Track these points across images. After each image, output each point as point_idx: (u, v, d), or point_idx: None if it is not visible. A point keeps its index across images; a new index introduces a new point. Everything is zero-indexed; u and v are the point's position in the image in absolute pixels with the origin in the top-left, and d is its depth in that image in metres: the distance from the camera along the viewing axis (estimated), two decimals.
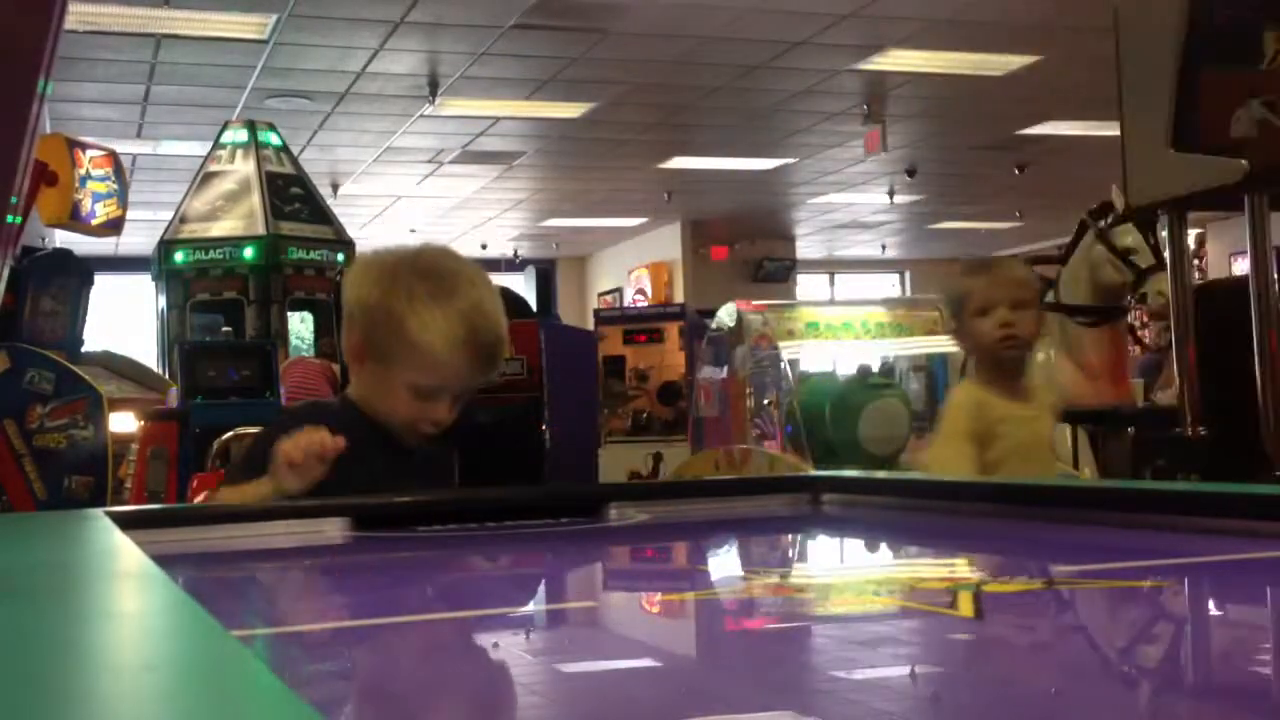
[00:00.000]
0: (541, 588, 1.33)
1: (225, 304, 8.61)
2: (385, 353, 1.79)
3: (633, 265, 17.36)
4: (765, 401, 4.87)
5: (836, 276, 19.31)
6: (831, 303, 10.65)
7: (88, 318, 7.39)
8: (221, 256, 8.57)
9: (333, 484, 1.71)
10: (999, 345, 2.68)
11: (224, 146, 8.84)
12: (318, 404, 2.18)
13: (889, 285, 19.58)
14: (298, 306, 9.04)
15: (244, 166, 8.69)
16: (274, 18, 7.73)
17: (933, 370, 4.86)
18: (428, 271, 1.78)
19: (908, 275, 19.53)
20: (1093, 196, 5.51)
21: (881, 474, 3.04)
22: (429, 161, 11.97)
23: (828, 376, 4.92)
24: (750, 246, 16.50)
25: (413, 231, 15.25)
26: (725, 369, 5.35)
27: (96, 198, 7.06)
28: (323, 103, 9.73)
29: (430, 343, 1.74)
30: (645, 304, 15.95)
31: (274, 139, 8.91)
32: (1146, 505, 1.43)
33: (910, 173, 12.95)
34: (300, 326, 9.84)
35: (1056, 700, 0.74)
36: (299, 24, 7.86)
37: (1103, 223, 5.01)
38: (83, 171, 6.91)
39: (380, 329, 1.78)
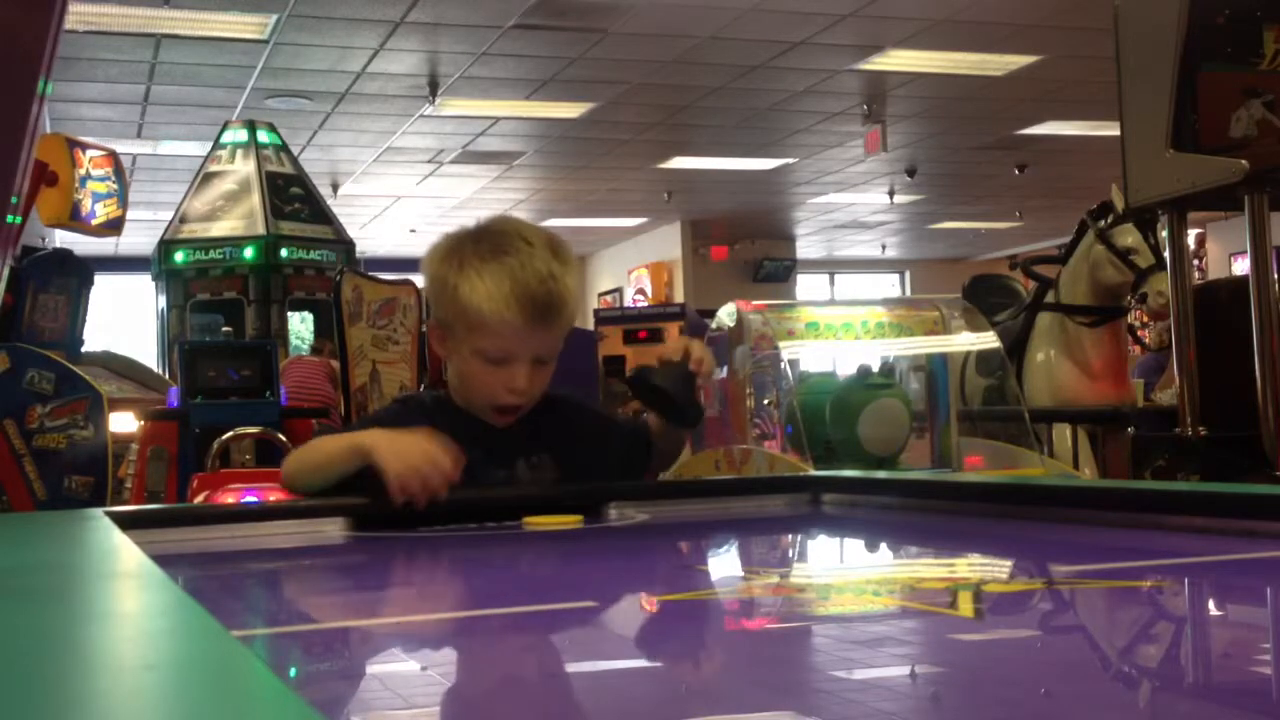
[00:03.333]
0: (541, 588, 1.33)
1: (225, 304, 8.62)
2: (450, 325, 1.78)
3: (633, 265, 17.37)
4: (765, 401, 4.86)
5: (836, 276, 19.32)
6: (831, 303, 10.65)
7: (88, 318, 7.40)
8: (221, 256, 8.58)
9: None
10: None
11: (224, 146, 8.85)
12: (411, 398, 2.13)
13: (889, 285, 19.59)
14: (298, 306, 9.05)
15: (244, 166, 8.71)
16: (274, 18, 7.73)
17: (933, 370, 4.86)
18: (480, 236, 1.77)
19: (908, 275, 19.55)
20: (1093, 196, 5.51)
21: (881, 474, 3.04)
22: (429, 161, 11.97)
23: (828, 376, 4.91)
24: (750, 246, 16.51)
25: (413, 232, 15.25)
26: (725, 369, 5.34)
27: (96, 198, 7.07)
28: (323, 103, 9.73)
29: (478, 305, 1.71)
30: (645, 304, 15.95)
31: (274, 139, 8.91)
32: (1146, 505, 1.43)
33: (910, 173, 12.95)
34: (300, 326, 9.85)
35: (1056, 701, 0.74)
36: (299, 24, 7.86)
37: (1103, 223, 5.02)
38: (83, 171, 6.91)
39: (442, 302, 1.78)
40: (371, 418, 1.91)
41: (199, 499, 4.31)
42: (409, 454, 1.60)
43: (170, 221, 8.97)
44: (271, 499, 4.01)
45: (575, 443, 1.84)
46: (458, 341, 1.78)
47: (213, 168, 8.80)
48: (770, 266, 16.61)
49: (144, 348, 9.32)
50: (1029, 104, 10.31)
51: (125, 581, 1.00)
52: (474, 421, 1.82)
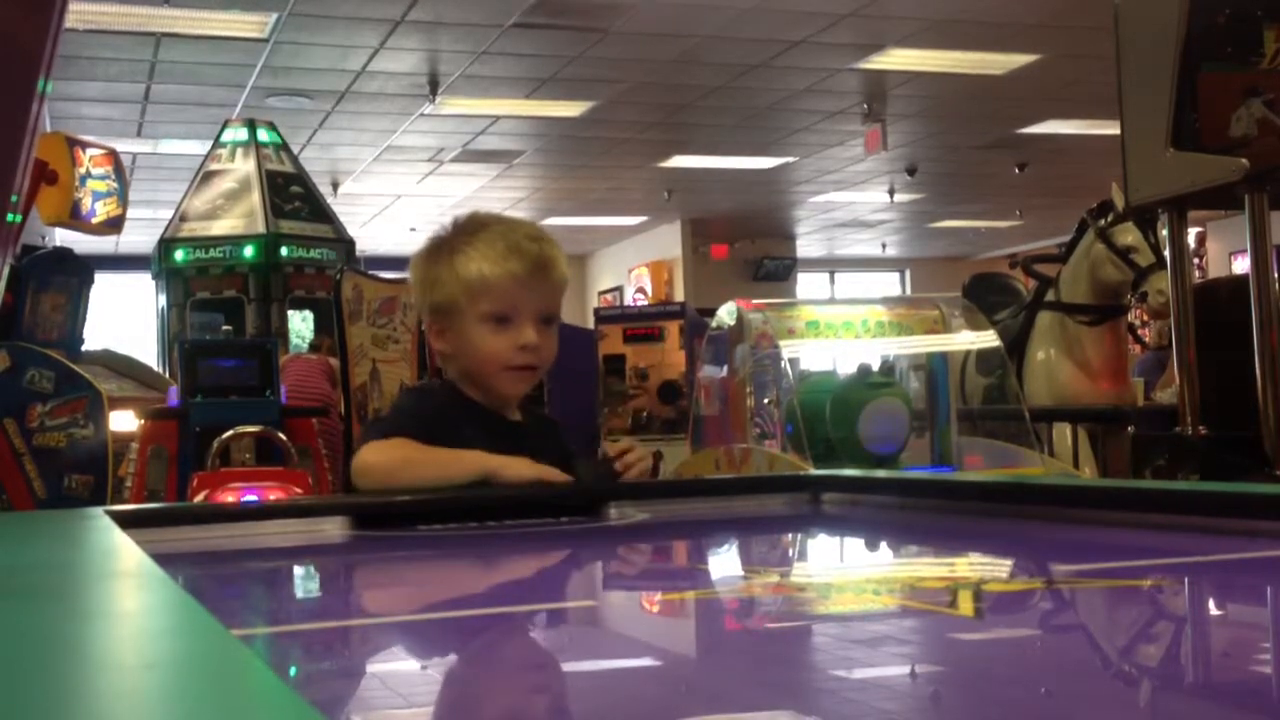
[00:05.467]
0: (542, 587, 1.33)
1: (225, 302, 8.62)
2: (453, 307, 1.85)
3: (633, 264, 17.36)
4: (765, 401, 4.86)
5: (837, 275, 19.32)
6: (832, 302, 10.64)
7: (88, 317, 7.39)
8: (221, 255, 8.57)
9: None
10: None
11: (224, 145, 8.84)
12: (425, 386, 2.26)
13: (889, 284, 19.59)
14: (298, 305, 9.04)
15: (244, 165, 8.70)
16: (274, 16, 7.73)
17: (933, 369, 4.86)
18: (460, 227, 1.89)
19: (908, 274, 19.54)
20: (1093, 195, 5.51)
21: (881, 474, 3.04)
22: (429, 160, 11.97)
23: (828, 375, 4.91)
24: (750, 245, 16.50)
25: (413, 230, 15.25)
26: (725, 368, 5.34)
27: (96, 196, 7.06)
28: (323, 102, 9.73)
29: (477, 268, 1.81)
30: (645, 303, 15.95)
31: (274, 138, 8.91)
32: (1146, 505, 1.43)
33: (910, 171, 12.95)
34: (300, 325, 9.84)
35: (1056, 700, 0.74)
36: (299, 23, 7.85)
37: (1103, 221, 5.02)
38: (83, 170, 6.90)
39: (439, 288, 1.85)
40: (394, 407, 2.08)
41: (199, 498, 4.31)
42: (522, 464, 1.75)
43: (170, 220, 8.97)
44: (272, 498, 4.01)
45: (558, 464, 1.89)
46: (460, 318, 1.84)
47: (213, 166, 8.80)
48: (770, 265, 16.61)
49: (144, 347, 9.32)
50: (1029, 103, 10.30)
51: (125, 581, 1.00)
52: (485, 412, 1.87)
